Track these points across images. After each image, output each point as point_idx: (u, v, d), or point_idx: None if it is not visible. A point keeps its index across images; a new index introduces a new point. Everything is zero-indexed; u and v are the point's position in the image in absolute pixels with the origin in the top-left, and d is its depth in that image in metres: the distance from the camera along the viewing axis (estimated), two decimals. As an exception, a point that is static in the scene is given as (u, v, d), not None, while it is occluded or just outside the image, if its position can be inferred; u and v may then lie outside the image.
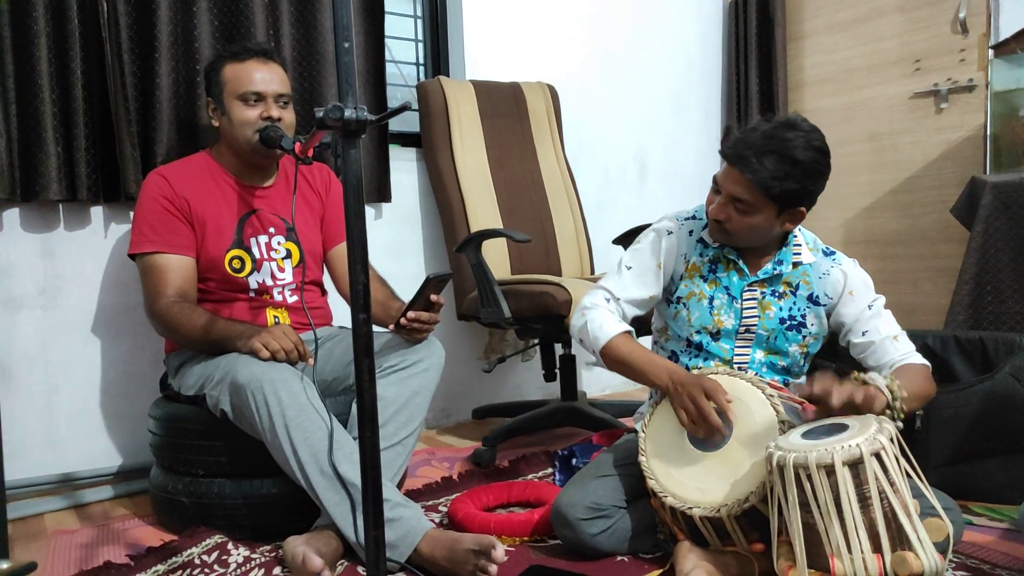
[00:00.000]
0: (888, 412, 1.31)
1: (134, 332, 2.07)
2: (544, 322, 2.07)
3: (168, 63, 2.01)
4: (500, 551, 1.29)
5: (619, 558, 1.46)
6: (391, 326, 1.65)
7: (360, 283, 1.04)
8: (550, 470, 2.00)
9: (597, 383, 3.04)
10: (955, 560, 1.41)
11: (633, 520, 1.48)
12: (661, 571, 1.39)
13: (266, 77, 1.70)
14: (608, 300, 1.60)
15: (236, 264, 1.73)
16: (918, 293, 2.90)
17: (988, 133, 2.45)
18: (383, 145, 2.46)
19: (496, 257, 2.41)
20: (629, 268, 1.62)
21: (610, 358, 1.54)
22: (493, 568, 1.28)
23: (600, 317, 1.56)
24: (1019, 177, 2.16)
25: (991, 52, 2.50)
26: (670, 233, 1.60)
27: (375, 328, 1.64)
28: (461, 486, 1.92)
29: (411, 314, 1.58)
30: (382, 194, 2.48)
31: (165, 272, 1.66)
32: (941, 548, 1.14)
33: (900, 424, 1.28)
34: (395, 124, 2.68)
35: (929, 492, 1.19)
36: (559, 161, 2.70)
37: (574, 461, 1.86)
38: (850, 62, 3.17)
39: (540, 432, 2.40)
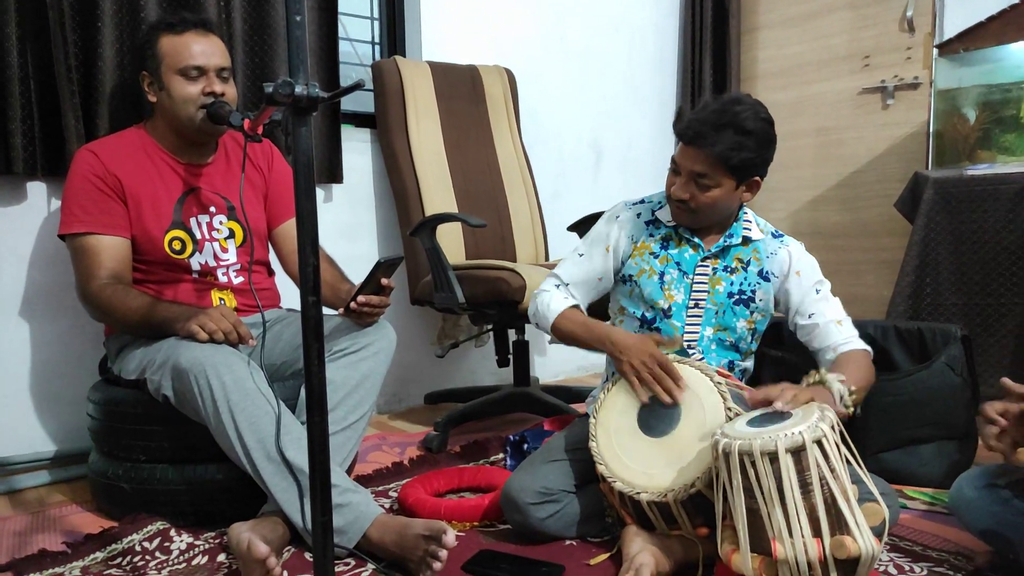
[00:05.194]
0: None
1: (73, 313, 2.00)
2: (498, 307, 2.07)
3: (112, 31, 1.93)
4: (450, 536, 1.29)
5: (567, 542, 1.47)
6: (341, 309, 1.62)
7: (310, 265, 1.01)
8: (502, 455, 2.01)
9: (550, 369, 3.06)
10: (890, 543, 1.46)
11: (582, 504, 1.50)
12: (608, 554, 1.41)
13: (207, 50, 1.64)
14: (558, 286, 1.68)
15: (176, 245, 1.67)
16: (861, 284, 2.98)
17: (931, 130, 2.52)
18: (335, 124, 2.41)
19: (451, 242, 2.39)
20: (581, 255, 1.69)
21: (560, 333, 1.62)
22: (443, 553, 1.27)
23: (548, 298, 1.66)
24: (959, 173, 2.23)
25: (936, 51, 2.57)
26: (618, 217, 1.67)
27: (325, 311, 1.63)
28: (412, 471, 1.91)
29: (361, 298, 1.56)
30: (334, 175, 2.43)
31: (97, 253, 1.60)
32: (877, 532, 1.17)
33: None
34: (349, 104, 2.63)
35: (867, 478, 1.23)
36: (516, 146, 2.69)
37: (525, 446, 1.87)
38: (801, 56, 3.23)
39: (492, 417, 2.40)
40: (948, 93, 2.47)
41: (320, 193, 2.48)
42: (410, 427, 2.42)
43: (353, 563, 1.37)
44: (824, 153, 3.16)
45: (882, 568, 1.36)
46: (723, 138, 1.45)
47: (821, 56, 3.16)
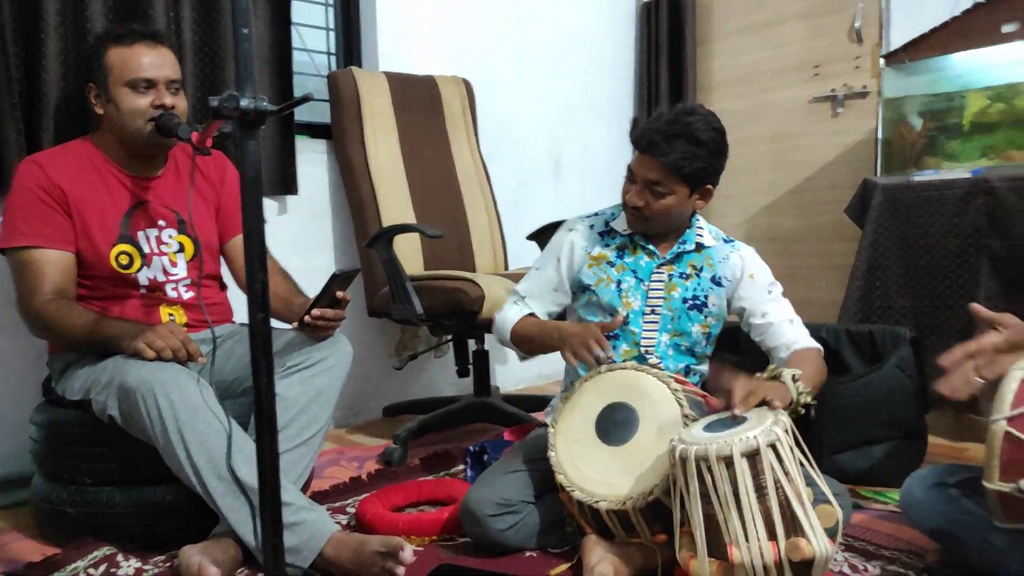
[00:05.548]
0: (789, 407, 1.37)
1: (14, 332, 1.92)
2: (457, 318, 2.06)
3: (56, 43, 1.87)
4: (408, 552, 1.27)
5: (528, 553, 1.46)
6: (295, 323, 1.59)
7: (258, 281, 0.99)
8: (462, 467, 1.99)
9: (511, 378, 3.05)
10: (844, 542, 1.48)
11: (541, 515, 1.49)
12: (568, 565, 1.40)
13: (156, 62, 1.60)
14: (516, 302, 1.72)
15: (123, 260, 1.62)
16: (814, 289, 3.03)
17: (880, 138, 2.59)
18: (289, 136, 2.37)
19: (408, 253, 2.37)
20: (538, 269, 1.73)
21: (519, 341, 1.66)
22: (400, 570, 1.26)
23: (505, 313, 1.70)
24: (906, 180, 2.29)
25: (883, 61, 2.63)
26: (571, 230, 1.71)
27: (279, 325, 1.59)
28: (371, 486, 1.88)
29: (315, 311, 1.53)
30: (288, 186, 2.40)
31: (40, 268, 1.54)
32: (831, 533, 1.19)
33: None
34: (304, 115, 2.60)
35: (821, 480, 1.24)
36: (474, 156, 2.69)
37: (485, 457, 1.86)
38: (755, 65, 3.29)
39: (453, 428, 2.38)
40: (895, 102, 2.53)
41: (274, 205, 2.44)
42: (369, 440, 2.39)
43: (309, 582, 1.34)
44: (779, 160, 3.22)
45: (836, 568, 1.37)
46: (676, 147, 1.49)
47: (774, 65, 3.22)
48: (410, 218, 2.41)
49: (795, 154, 3.15)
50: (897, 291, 2.26)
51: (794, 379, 1.39)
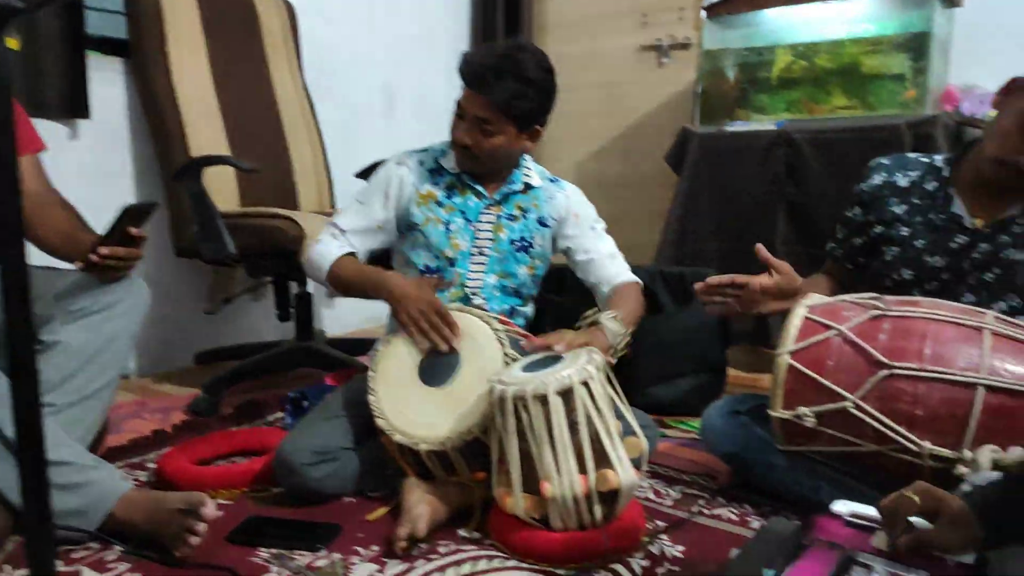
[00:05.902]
0: (608, 351, 1.42)
1: None
2: (274, 259, 1.94)
3: None
4: (210, 508, 1.19)
5: (346, 499, 1.43)
6: (80, 263, 1.41)
7: (13, 211, 0.85)
8: (281, 415, 1.90)
9: (340, 322, 2.96)
10: (651, 470, 1.58)
11: (362, 460, 1.46)
12: (388, 509, 1.38)
13: None
14: (334, 235, 1.61)
15: None
16: (638, 233, 3.14)
17: (699, 89, 2.70)
18: (78, 50, 2.09)
19: (222, 188, 2.18)
20: (361, 203, 1.64)
21: (337, 281, 1.57)
22: (201, 527, 1.17)
23: (321, 247, 1.59)
24: (719, 130, 2.42)
25: (703, 13, 2.73)
26: (399, 164, 1.64)
27: (61, 265, 1.41)
28: (176, 439, 1.74)
29: (104, 249, 1.36)
30: (77, 109, 2.12)
31: None
32: (637, 463, 1.25)
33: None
34: (99, 28, 2.28)
35: (629, 413, 1.30)
36: (296, 86, 2.50)
37: (305, 404, 1.78)
38: (587, 10, 3.31)
39: (273, 375, 2.26)
40: (713, 54, 2.65)
41: (63, 130, 2.15)
42: (177, 390, 2.21)
43: (98, 547, 1.22)
44: (608, 107, 3.29)
45: (642, 494, 1.46)
46: (505, 86, 1.46)
47: (605, 11, 3.26)
48: (223, 149, 2.21)
49: (623, 101, 3.24)
50: (708, 235, 2.40)
51: (613, 320, 1.45)
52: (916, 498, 0.86)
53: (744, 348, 2.45)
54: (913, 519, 0.88)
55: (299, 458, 1.38)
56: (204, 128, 2.18)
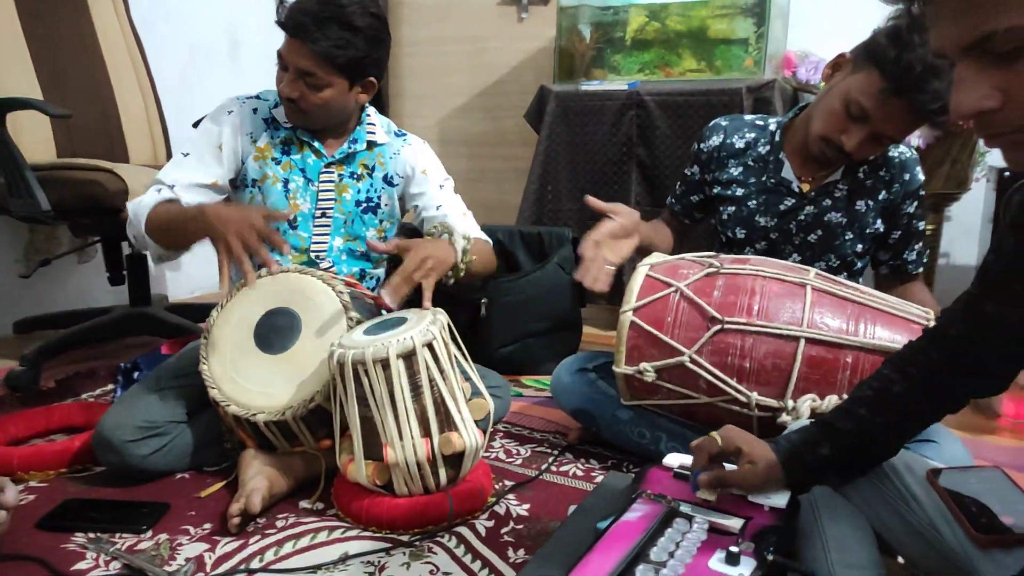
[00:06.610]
0: (452, 271, 1.39)
1: None
2: (95, 216, 1.76)
3: None
4: (11, 493, 1.06)
5: (179, 476, 1.34)
6: None
7: None
8: (111, 387, 1.75)
9: (185, 285, 2.76)
10: (504, 429, 1.59)
11: (196, 433, 1.37)
12: (223, 483, 1.31)
13: None
14: (159, 191, 1.44)
15: None
16: (502, 192, 3.16)
17: (557, 46, 2.69)
18: None
19: (35, 137, 1.94)
20: (186, 155, 1.49)
21: (156, 231, 1.38)
22: (1, 515, 1.05)
23: (139, 201, 1.41)
24: (576, 88, 2.42)
25: (559, -32, 2.70)
26: (230, 113, 1.50)
27: None
28: (-17, 417, 1.57)
29: None
30: None
31: None
32: (483, 424, 1.24)
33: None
34: None
35: (475, 375, 1.28)
36: (123, 25, 2.26)
37: (137, 375, 1.64)
38: (445, -43, 3.20)
39: (104, 344, 2.08)
40: (570, 11, 2.63)
41: None
42: (-8, 363, 1.99)
43: None
44: (471, 62, 3.21)
45: (493, 454, 1.46)
46: (328, 33, 1.35)
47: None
48: (33, 93, 1.96)
49: (484, 56, 3.18)
50: (566, 194, 2.42)
51: (463, 239, 1.42)
52: (718, 438, 0.91)
53: (599, 306, 2.51)
54: (727, 465, 0.92)
55: (121, 435, 1.27)
56: (7, 68, 1.93)
